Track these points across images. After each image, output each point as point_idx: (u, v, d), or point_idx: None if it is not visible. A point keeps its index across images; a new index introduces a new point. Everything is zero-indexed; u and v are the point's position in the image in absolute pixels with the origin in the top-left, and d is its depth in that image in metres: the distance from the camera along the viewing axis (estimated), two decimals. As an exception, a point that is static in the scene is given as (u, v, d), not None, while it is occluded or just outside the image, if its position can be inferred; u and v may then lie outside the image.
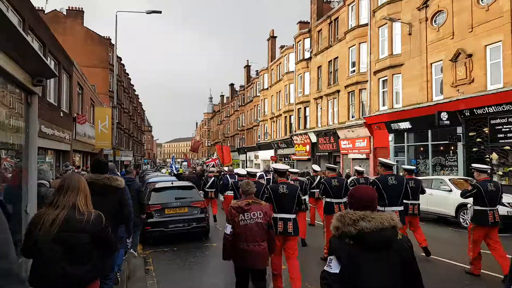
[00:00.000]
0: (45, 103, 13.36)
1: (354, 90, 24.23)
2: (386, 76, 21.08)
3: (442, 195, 12.70)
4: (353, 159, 24.78)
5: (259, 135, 45.18)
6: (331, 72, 27.51)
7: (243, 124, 53.11)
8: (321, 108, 28.65)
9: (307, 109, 31.14)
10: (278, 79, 38.05)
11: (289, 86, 34.52)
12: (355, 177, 10.90)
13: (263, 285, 4.60)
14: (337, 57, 26.43)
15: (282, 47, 39.82)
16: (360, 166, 12.78)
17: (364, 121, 22.71)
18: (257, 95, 45.45)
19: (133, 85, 62.82)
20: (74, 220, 2.84)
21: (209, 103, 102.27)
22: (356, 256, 2.35)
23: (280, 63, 37.57)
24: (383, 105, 21.68)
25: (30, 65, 3.66)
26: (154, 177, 16.37)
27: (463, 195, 6.93)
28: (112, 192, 4.45)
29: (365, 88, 23.25)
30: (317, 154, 29.62)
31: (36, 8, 17.40)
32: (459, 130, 16.41)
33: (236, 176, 10.31)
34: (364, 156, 23.54)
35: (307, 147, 30.90)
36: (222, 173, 14.42)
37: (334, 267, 2.40)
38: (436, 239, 9.48)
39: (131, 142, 59.74)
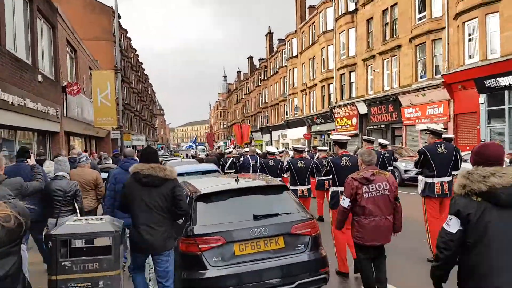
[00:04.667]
0: (1, 52, 8.38)
1: (424, 42, 18.76)
2: (475, 17, 15.72)
3: None
4: (421, 130, 19.53)
5: (286, 112, 39.92)
6: (386, 23, 21.96)
7: (266, 101, 47.86)
8: (373, 71, 23.20)
9: (353, 73, 25.71)
10: (311, 43, 32.30)
11: (327, 48, 28.93)
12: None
13: (384, 261, 4.03)
14: (396, 4, 20.90)
15: (311, 7, 34.23)
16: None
17: (442, 80, 17.45)
18: (284, 65, 39.80)
19: (141, 63, 57.69)
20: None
21: (224, 82, 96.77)
22: (484, 214, 2.21)
23: (313, 23, 31.73)
24: (470, 58, 16.38)
25: None
26: (179, 166, 8.97)
27: None
28: (160, 184, 3.73)
29: (441, 38, 17.86)
30: (367, 128, 24.38)
31: None
32: None
33: (258, 157, 9.60)
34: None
35: (354, 120, 25.69)
36: (243, 153, 13.09)
37: (452, 226, 2.32)
38: None
39: (142, 126, 55.31)
